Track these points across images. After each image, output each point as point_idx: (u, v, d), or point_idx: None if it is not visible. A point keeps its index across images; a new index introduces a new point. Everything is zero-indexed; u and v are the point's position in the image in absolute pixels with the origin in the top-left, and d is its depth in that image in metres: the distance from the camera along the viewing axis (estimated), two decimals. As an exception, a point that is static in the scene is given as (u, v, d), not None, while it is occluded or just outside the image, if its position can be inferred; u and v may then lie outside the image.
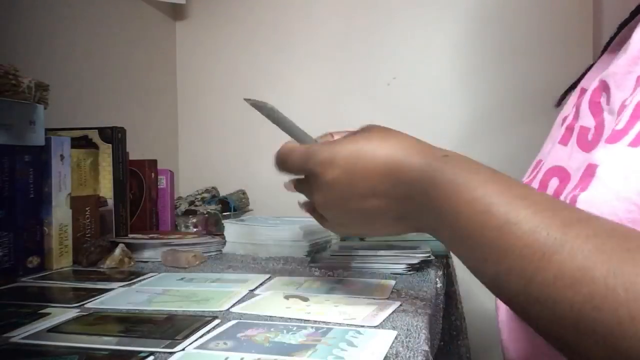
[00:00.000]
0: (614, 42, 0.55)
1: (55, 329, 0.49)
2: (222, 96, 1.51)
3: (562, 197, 0.46)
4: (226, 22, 1.50)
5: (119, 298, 0.61)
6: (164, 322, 0.50)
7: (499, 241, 0.34)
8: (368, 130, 0.46)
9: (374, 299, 0.58)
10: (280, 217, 1.03)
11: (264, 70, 1.46)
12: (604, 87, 0.45)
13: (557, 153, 0.49)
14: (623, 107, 0.40)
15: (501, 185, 0.36)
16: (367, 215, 0.46)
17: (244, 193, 1.34)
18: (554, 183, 0.48)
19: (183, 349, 0.43)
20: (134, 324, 0.50)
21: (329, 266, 0.77)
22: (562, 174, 0.48)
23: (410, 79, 1.38)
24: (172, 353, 0.42)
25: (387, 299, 0.58)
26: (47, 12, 1.02)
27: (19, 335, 0.47)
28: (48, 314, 0.53)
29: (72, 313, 0.54)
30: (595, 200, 0.37)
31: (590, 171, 0.39)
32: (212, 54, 1.51)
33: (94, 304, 0.58)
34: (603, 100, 0.45)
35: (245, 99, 0.51)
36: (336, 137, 0.52)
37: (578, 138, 0.47)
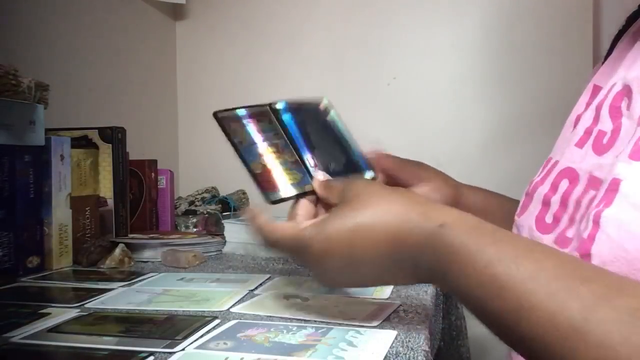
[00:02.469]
0: (626, 36, 0.53)
1: (55, 329, 0.49)
2: (222, 96, 1.50)
3: (571, 200, 0.45)
4: (226, 22, 1.50)
5: (119, 298, 0.61)
6: (164, 322, 0.50)
7: (516, 327, 0.33)
8: (356, 198, 0.43)
9: (374, 299, 0.58)
10: (280, 217, 1.02)
11: (264, 70, 1.46)
12: (627, 92, 0.44)
13: (572, 155, 0.48)
14: None
15: (508, 263, 0.34)
16: (371, 283, 0.48)
17: (244, 193, 1.34)
18: (564, 185, 0.48)
19: (183, 349, 0.43)
20: (134, 324, 0.50)
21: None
22: (571, 175, 0.47)
23: (410, 79, 1.37)
24: (172, 353, 0.42)
25: (387, 299, 0.58)
26: (47, 12, 1.02)
27: (19, 335, 0.47)
28: (48, 314, 0.53)
29: (72, 313, 0.54)
30: (621, 217, 0.36)
31: (614, 186, 0.38)
32: (212, 54, 1.51)
33: (94, 304, 0.58)
34: (624, 105, 0.44)
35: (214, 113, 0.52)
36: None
37: (594, 142, 0.46)
